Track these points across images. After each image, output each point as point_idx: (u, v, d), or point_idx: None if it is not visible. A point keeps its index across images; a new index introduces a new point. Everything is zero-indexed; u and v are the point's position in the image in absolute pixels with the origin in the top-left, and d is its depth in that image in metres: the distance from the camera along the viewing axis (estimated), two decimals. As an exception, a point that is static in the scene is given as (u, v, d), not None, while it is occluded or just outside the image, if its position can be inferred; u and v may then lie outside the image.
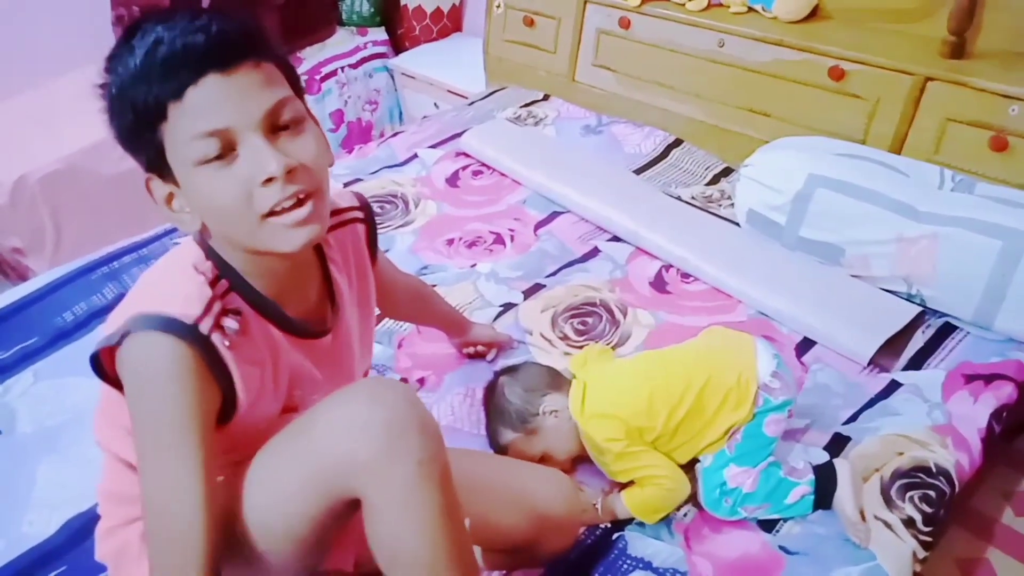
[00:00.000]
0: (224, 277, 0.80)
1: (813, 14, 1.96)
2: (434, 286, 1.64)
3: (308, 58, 2.88)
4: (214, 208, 0.73)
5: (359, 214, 0.99)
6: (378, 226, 1.81)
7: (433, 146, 2.23)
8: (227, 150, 0.70)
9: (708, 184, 1.97)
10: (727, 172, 2.01)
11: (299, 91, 0.78)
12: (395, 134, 2.37)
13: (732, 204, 1.85)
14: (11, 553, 1.16)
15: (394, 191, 2.02)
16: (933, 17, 1.77)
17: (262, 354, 0.81)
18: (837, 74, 1.79)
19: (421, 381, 1.43)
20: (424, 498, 0.74)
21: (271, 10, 2.61)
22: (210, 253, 0.80)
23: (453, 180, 2.07)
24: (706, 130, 2.09)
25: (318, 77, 2.88)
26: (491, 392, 1.24)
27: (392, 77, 3.08)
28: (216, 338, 0.75)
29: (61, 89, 2.55)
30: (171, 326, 0.72)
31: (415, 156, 2.19)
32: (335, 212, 0.94)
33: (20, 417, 1.40)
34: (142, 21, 0.71)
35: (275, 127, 0.72)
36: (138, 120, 0.71)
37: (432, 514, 0.74)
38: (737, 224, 1.75)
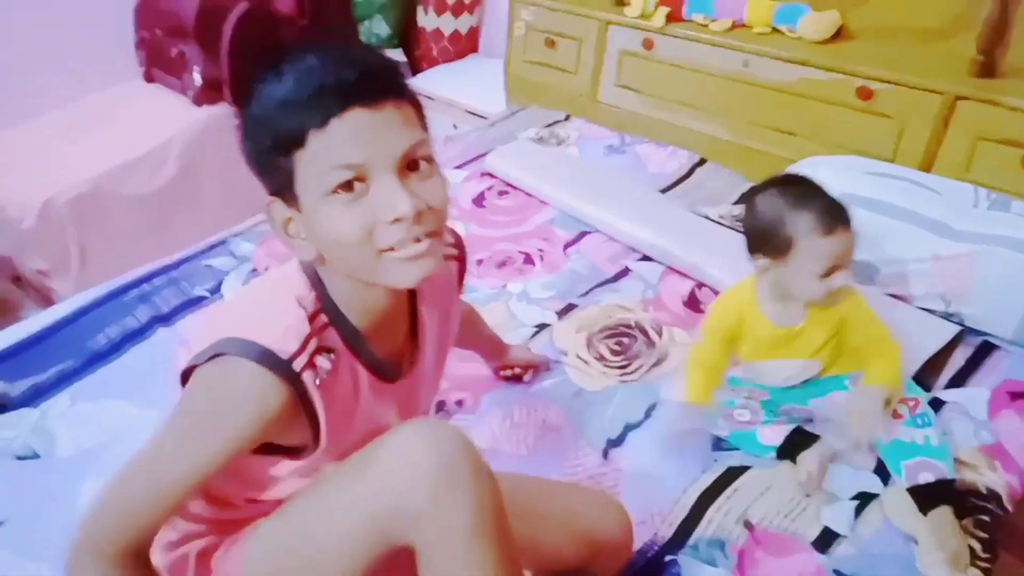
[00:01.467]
0: (325, 311, 0.79)
1: (838, 34, 1.98)
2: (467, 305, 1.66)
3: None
4: (334, 239, 0.72)
5: (454, 251, 0.98)
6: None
7: (458, 167, 2.24)
8: (359, 184, 0.71)
9: (735, 203, 1.98)
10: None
11: (427, 132, 0.77)
12: (418, 155, 2.38)
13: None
14: (55, 580, 1.15)
15: (421, 212, 2.02)
16: (961, 36, 1.79)
17: (347, 395, 0.81)
18: (865, 94, 1.80)
19: (459, 403, 1.43)
20: (480, 549, 0.75)
21: (293, 30, 2.63)
22: (315, 283, 0.80)
23: (479, 200, 2.08)
24: (731, 149, 2.10)
25: (338, 98, 2.89)
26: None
27: (411, 98, 3.09)
28: (308, 376, 0.74)
29: (86, 109, 2.57)
30: (266, 358, 0.72)
31: (440, 177, 2.19)
32: None
33: (59, 440, 1.40)
34: (294, 49, 0.72)
35: (407, 167, 0.72)
36: (276, 144, 0.72)
37: (489, 564, 0.75)
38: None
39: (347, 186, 0.70)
